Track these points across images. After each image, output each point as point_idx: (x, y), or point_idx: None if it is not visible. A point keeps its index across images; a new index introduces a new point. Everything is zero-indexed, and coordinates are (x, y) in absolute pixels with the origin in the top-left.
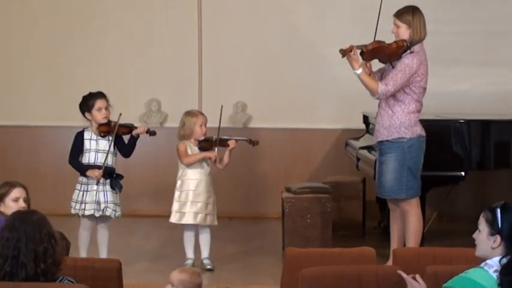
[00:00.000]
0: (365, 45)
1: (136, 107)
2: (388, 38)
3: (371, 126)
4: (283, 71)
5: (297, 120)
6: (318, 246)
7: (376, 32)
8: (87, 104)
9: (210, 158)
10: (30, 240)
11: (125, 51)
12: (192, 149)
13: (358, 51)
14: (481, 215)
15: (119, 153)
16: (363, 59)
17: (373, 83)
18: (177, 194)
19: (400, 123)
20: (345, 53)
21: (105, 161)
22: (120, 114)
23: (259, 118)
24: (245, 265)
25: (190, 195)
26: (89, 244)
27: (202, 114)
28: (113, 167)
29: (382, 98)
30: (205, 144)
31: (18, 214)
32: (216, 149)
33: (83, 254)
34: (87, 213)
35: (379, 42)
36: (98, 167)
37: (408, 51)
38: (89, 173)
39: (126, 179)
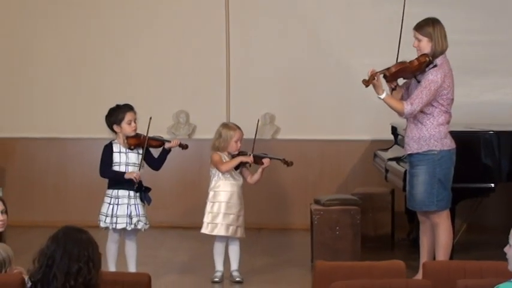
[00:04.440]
0: (387, 69)
1: (164, 119)
2: (412, 50)
3: (399, 137)
4: (311, 83)
5: (325, 132)
6: (347, 258)
7: (398, 55)
8: (116, 116)
9: (246, 163)
10: (66, 255)
11: (152, 63)
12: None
13: (381, 75)
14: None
15: (146, 166)
16: (386, 82)
17: (398, 105)
18: (209, 205)
19: (430, 135)
20: (368, 83)
21: (139, 168)
22: (150, 118)
23: (287, 130)
24: (274, 277)
25: (223, 207)
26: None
27: (239, 129)
28: (139, 180)
29: (409, 117)
30: None
31: (66, 228)
32: (251, 157)
33: (112, 267)
34: (119, 226)
35: (401, 63)
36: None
37: (431, 65)
38: (127, 175)
39: (154, 190)
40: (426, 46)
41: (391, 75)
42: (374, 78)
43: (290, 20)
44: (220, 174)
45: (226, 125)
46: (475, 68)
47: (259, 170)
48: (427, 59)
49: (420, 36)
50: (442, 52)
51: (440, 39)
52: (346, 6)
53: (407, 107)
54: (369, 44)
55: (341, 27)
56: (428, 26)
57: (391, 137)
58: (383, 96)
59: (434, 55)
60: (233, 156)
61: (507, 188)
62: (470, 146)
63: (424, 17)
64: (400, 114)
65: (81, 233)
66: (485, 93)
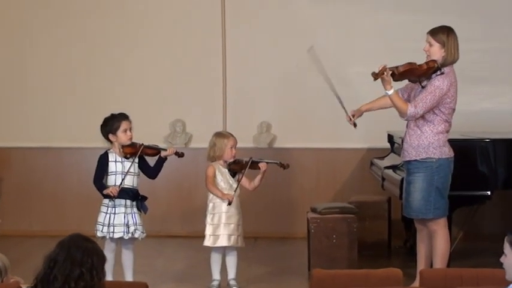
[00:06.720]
0: (396, 67)
1: (161, 128)
2: (416, 57)
3: (396, 145)
4: (307, 91)
5: (321, 140)
6: (343, 266)
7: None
8: (112, 125)
9: (242, 171)
10: (68, 259)
11: (148, 72)
12: (221, 171)
13: (390, 72)
14: (505, 238)
15: (142, 175)
16: (393, 80)
17: (403, 105)
18: (209, 217)
19: (429, 143)
20: (377, 76)
21: (122, 181)
22: (143, 143)
23: (283, 138)
24: (271, 286)
25: (223, 218)
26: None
27: (232, 136)
28: (135, 188)
29: (411, 119)
30: (235, 167)
31: (74, 235)
32: (236, 192)
33: (109, 277)
34: (116, 236)
35: (410, 64)
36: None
37: (438, 72)
38: (105, 191)
39: (150, 199)
40: (437, 52)
41: (399, 74)
42: (383, 73)
43: (286, 29)
44: (217, 185)
45: (219, 134)
46: (471, 76)
47: (259, 176)
48: (436, 65)
49: (433, 41)
50: (453, 62)
51: (453, 49)
52: (342, 16)
53: (410, 109)
54: (364, 53)
55: (337, 36)
56: (443, 33)
57: (388, 145)
58: (391, 92)
59: (444, 64)
60: (229, 165)
61: (503, 196)
62: (466, 153)
63: (424, 25)
64: (403, 114)
65: (87, 241)
66: (481, 102)
